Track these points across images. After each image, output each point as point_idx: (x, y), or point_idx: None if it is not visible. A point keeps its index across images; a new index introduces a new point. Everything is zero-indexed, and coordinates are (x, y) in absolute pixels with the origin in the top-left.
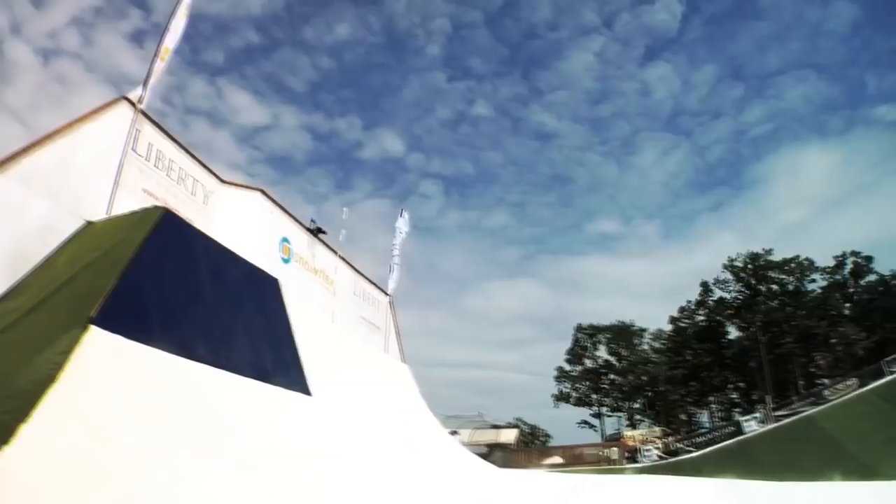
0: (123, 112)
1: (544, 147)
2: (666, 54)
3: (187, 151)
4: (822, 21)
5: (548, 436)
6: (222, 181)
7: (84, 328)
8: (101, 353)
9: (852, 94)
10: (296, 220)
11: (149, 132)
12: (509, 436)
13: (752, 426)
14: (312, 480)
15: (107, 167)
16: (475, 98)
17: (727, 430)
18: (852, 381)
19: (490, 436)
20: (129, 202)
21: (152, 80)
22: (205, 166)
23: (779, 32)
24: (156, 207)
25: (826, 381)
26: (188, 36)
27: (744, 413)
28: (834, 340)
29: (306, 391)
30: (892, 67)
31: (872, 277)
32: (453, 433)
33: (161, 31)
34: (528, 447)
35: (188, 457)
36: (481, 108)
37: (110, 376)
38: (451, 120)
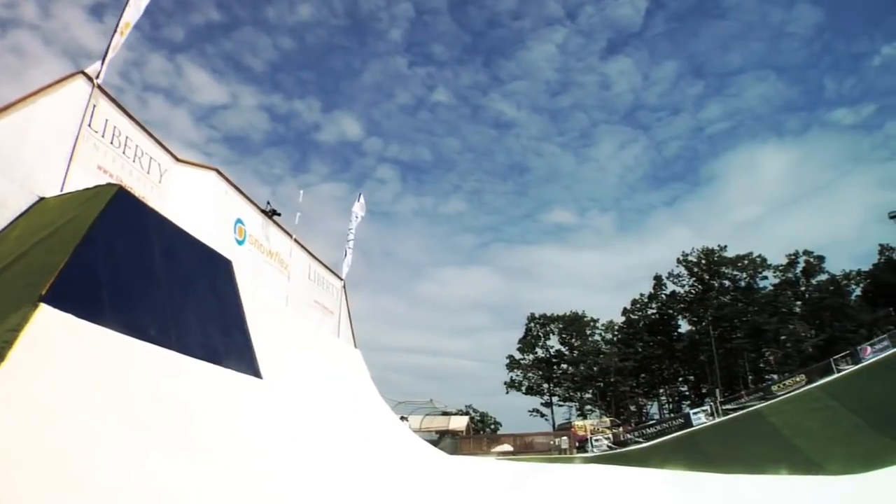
0: (80, 87)
1: (502, 136)
2: (628, 49)
3: (143, 128)
4: (784, 23)
5: (498, 423)
6: (178, 160)
7: (34, 306)
8: (51, 331)
9: (811, 96)
10: (251, 201)
11: (105, 108)
12: (460, 423)
13: (700, 419)
14: (263, 463)
15: (62, 142)
16: (435, 84)
17: (676, 422)
18: (801, 378)
19: (440, 422)
20: (83, 178)
21: (111, 55)
22: (161, 144)
23: (741, 32)
24: (110, 185)
25: (775, 376)
26: (148, 11)
27: (693, 406)
28: (784, 337)
29: (257, 374)
30: (852, 71)
31: (823, 277)
32: (403, 419)
33: (122, 5)
34: (479, 434)
35: (139, 438)
36: (441, 95)
37: (60, 355)
38: (411, 105)
